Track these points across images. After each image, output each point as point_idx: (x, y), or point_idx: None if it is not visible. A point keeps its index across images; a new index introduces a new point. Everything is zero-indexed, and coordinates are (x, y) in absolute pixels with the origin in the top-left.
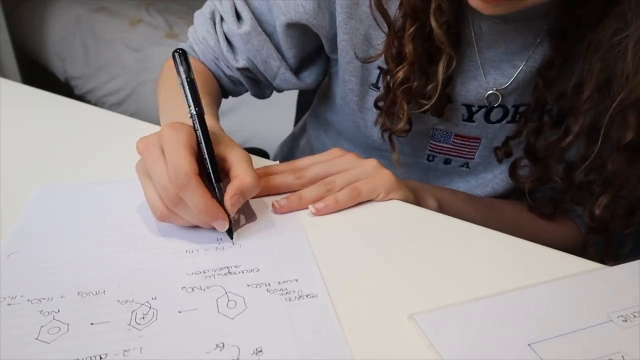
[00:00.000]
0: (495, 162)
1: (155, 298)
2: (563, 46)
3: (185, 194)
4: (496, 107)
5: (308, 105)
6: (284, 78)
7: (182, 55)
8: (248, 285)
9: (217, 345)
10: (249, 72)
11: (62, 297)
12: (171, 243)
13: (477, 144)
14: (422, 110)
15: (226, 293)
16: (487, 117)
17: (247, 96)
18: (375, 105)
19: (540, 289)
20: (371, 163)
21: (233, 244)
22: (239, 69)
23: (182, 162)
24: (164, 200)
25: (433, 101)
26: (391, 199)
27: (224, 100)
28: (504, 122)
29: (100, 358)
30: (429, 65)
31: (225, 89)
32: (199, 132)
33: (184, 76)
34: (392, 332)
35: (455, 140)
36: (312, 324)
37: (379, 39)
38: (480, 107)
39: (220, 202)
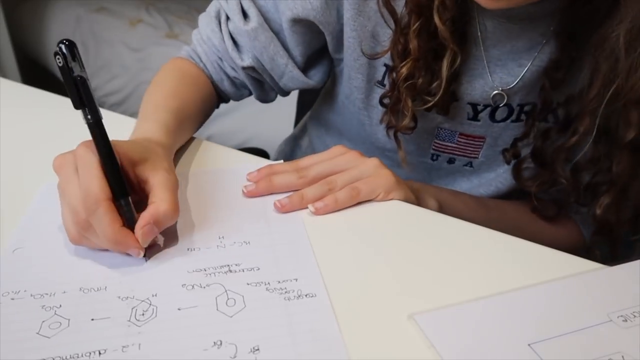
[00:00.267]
0: (498, 162)
1: (156, 295)
2: (570, 46)
3: (93, 220)
4: (501, 106)
5: (308, 105)
6: (291, 76)
7: (68, 47)
8: (248, 284)
9: (214, 343)
10: (254, 71)
11: (64, 292)
12: (173, 240)
13: (482, 143)
14: (426, 106)
15: (226, 291)
16: (492, 116)
17: (247, 97)
18: (381, 103)
19: (540, 289)
20: (372, 162)
21: (145, 260)
22: (244, 69)
23: (91, 185)
24: (75, 224)
25: (437, 98)
26: (391, 199)
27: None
28: (508, 121)
29: (99, 353)
30: (434, 61)
31: (226, 93)
32: (102, 143)
33: (74, 73)
34: (392, 332)
35: (460, 140)
36: (310, 323)
37: (386, 35)
38: (485, 106)
39: (131, 222)
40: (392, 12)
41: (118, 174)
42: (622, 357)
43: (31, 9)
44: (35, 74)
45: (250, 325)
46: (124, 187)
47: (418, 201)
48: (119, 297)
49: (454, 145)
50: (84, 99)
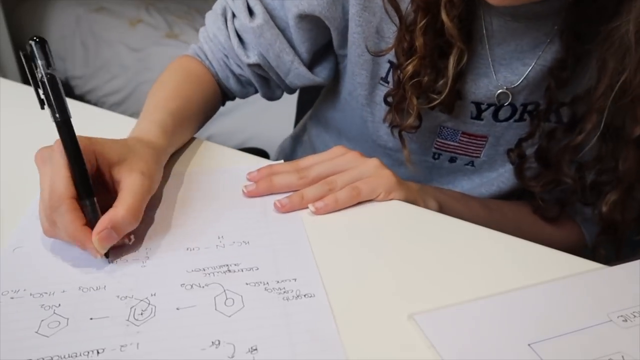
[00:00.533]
0: (500, 162)
1: (155, 294)
2: (575, 46)
3: (56, 216)
4: (505, 105)
5: (308, 105)
6: (297, 73)
7: (38, 44)
8: (247, 284)
9: (212, 342)
10: (260, 69)
11: (63, 291)
12: (172, 240)
13: (484, 143)
14: (432, 105)
15: (224, 291)
16: (495, 116)
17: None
18: (385, 101)
19: (540, 289)
20: (373, 162)
21: (109, 262)
22: (249, 66)
23: (58, 183)
24: (45, 217)
25: (443, 96)
26: (391, 199)
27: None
28: (511, 120)
29: (98, 353)
30: (440, 59)
31: (231, 91)
32: (64, 141)
33: (42, 72)
34: (391, 332)
35: (462, 138)
36: (308, 323)
37: (391, 32)
38: (489, 105)
39: (94, 223)
40: (397, 8)
41: (83, 174)
42: (622, 357)
43: (31, 9)
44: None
45: (249, 325)
46: (88, 188)
47: (418, 202)
48: (118, 296)
49: (456, 144)
50: (51, 98)
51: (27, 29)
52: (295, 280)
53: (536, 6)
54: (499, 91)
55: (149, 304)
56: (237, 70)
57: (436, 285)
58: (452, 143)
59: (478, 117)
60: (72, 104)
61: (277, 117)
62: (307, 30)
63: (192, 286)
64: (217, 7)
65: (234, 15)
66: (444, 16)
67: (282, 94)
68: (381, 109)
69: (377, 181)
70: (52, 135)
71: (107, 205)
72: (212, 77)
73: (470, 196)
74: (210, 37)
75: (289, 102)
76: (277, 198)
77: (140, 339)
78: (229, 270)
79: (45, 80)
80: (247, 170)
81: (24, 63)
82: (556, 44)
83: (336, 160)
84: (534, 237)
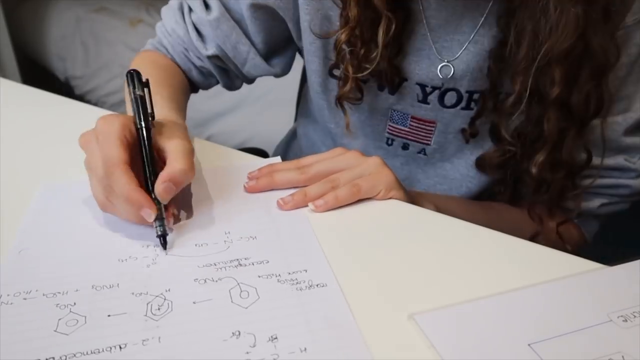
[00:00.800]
0: (451, 151)
1: (169, 290)
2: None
3: (112, 181)
4: (450, 90)
5: None
6: (253, 64)
7: (133, 76)
8: (259, 277)
9: (233, 333)
10: (219, 60)
11: (77, 290)
12: (180, 236)
13: (433, 128)
14: (364, 73)
15: (238, 284)
16: (441, 100)
17: (247, 96)
18: (330, 74)
19: (540, 289)
20: (374, 161)
21: (166, 254)
22: (209, 58)
23: (110, 151)
24: (101, 189)
25: (374, 64)
26: (391, 198)
27: (224, 101)
28: (458, 107)
29: (120, 348)
30: (371, 29)
31: (195, 82)
32: (145, 146)
33: (136, 93)
34: (392, 332)
35: (412, 123)
36: (324, 311)
37: (338, 19)
38: (434, 88)
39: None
40: None
41: (154, 169)
42: (622, 357)
43: (31, 9)
44: (35, 74)
45: (266, 316)
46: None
47: (416, 202)
48: (133, 293)
49: (407, 129)
50: (139, 113)
51: (27, 29)
52: (306, 271)
53: None
54: (441, 65)
55: (165, 299)
56: (198, 63)
57: (436, 285)
58: (403, 128)
59: (424, 100)
60: (72, 105)
61: (277, 117)
62: (263, 21)
63: (205, 280)
64: (172, 3)
65: (190, 10)
66: None
67: (241, 84)
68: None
69: (378, 179)
70: (53, 134)
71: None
72: (179, 68)
73: (467, 199)
74: (169, 32)
75: (289, 102)
76: (281, 196)
77: (161, 333)
78: (240, 264)
79: (137, 99)
80: (249, 168)
81: (127, 85)
82: (492, 23)
83: (337, 158)
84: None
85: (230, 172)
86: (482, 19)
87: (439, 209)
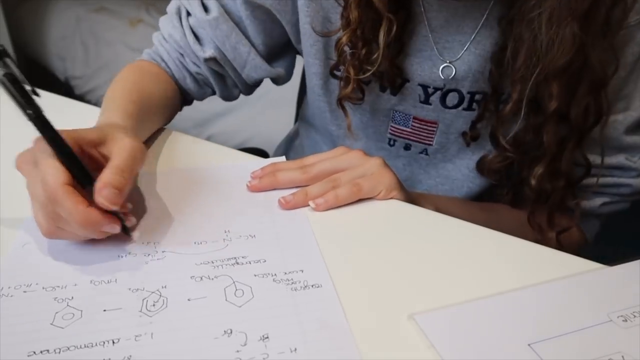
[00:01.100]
0: (453, 151)
1: (165, 287)
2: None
3: (56, 207)
4: (451, 91)
5: None
6: (254, 65)
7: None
8: (255, 275)
9: (225, 331)
10: (217, 64)
11: (75, 285)
12: (180, 234)
13: (435, 129)
14: (366, 75)
15: (234, 282)
16: (443, 101)
17: (248, 96)
18: (332, 74)
19: (540, 289)
20: (376, 161)
21: (133, 240)
22: (206, 61)
23: (50, 174)
24: (45, 217)
25: (376, 66)
26: (392, 198)
27: (223, 101)
28: (460, 108)
29: (113, 343)
30: (372, 31)
31: (189, 92)
32: (47, 136)
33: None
34: (392, 332)
35: (414, 124)
36: (317, 312)
37: (339, 20)
38: (435, 89)
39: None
40: None
41: (75, 161)
42: (622, 357)
43: (31, 9)
44: (35, 74)
45: (259, 315)
46: (86, 173)
47: (416, 203)
48: (130, 289)
49: (409, 130)
50: (20, 97)
51: (27, 29)
52: (302, 271)
53: None
54: (442, 65)
55: (161, 295)
56: (194, 69)
57: (436, 285)
58: (405, 129)
59: (426, 101)
60: (72, 105)
61: (277, 117)
62: (262, 22)
63: (201, 278)
64: (170, 9)
65: (188, 14)
66: None
67: (239, 94)
68: (336, 99)
69: (379, 179)
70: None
71: None
72: (170, 77)
73: (467, 200)
74: (165, 38)
75: (289, 102)
76: (282, 195)
77: (154, 329)
78: (237, 263)
79: (6, 80)
80: (251, 167)
81: None
82: (494, 27)
83: (339, 158)
84: (534, 237)
85: (233, 170)
86: (483, 19)
87: (439, 211)
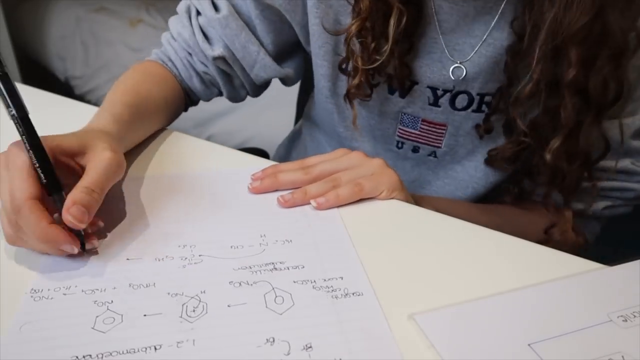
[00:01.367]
0: (462, 153)
1: (204, 292)
2: (523, 32)
3: (19, 219)
4: (461, 92)
5: None
6: (263, 64)
7: None
8: (294, 282)
9: (267, 340)
10: (225, 63)
11: (114, 288)
12: (216, 238)
13: (444, 131)
14: (375, 65)
15: (273, 289)
16: (452, 103)
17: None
18: (340, 69)
19: (540, 289)
20: (377, 162)
21: (83, 252)
22: (214, 60)
23: (18, 186)
24: (8, 224)
25: (385, 56)
26: (393, 199)
27: (224, 101)
28: (469, 110)
29: (155, 349)
30: (382, 23)
31: (195, 92)
32: (25, 137)
33: None
34: (392, 332)
35: (423, 126)
36: (360, 321)
37: (348, 20)
38: (445, 91)
39: None
40: None
41: (49, 169)
42: (622, 357)
43: (31, 9)
44: (35, 74)
45: (301, 323)
46: (56, 183)
47: (417, 203)
48: (169, 293)
49: (417, 132)
50: (6, 97)
51: (27, 29)
52: (342, 278)
53: None
54: (453, 66)
55: (200, 301)
56: (201, 68)
57: (436, 285)
58: (413, 131)
59: (435, 103)
60: (72, 105)
61: (277, 117)
62: (271, 22)
63: (240, 284)
64: (180, 8)
65: (198, 13)
66: None
67: (246, 95)
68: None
69: (380, 179)
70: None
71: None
72: (174, 78)
73: (469, 202)
74: (174, 37)
75: (289, 102)
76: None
77: (196, 336)
78: (275, 269)
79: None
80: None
81: None
82: (505, 29)
83: (340, 159)
84: (534, 238)
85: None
86: (494, 21)
87: (440, 212)
